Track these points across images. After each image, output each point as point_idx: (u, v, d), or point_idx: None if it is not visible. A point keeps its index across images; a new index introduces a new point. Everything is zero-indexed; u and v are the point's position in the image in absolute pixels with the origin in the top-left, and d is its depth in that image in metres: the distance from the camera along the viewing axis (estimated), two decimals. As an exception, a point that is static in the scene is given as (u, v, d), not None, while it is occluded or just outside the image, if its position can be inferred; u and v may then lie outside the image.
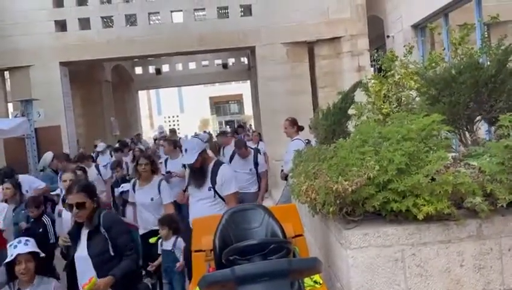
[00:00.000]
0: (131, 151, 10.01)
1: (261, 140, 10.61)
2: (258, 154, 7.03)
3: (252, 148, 7.34)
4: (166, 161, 7.63)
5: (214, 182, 4.15)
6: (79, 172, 5.81)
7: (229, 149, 8.52)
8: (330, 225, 3.03)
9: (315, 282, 2.91)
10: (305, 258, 2.74)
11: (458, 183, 2.52)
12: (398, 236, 2.64)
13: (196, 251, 3.21)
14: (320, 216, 3.20)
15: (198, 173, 4.17)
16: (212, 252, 2.95)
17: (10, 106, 12.88)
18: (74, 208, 3.15)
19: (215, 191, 4.16)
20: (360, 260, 2.65)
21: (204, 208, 4.09)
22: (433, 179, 2.57)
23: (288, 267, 2.06)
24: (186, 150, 4.15)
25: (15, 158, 8.91)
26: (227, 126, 45.27)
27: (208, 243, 3.03)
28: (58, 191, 5.90)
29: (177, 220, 4.70)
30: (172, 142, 7.86)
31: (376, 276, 2.65)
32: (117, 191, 6.34)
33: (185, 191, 4.43)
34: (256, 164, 6.77)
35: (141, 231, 5.24)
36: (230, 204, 4.04)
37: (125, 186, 6.10)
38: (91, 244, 3.19)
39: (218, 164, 4.30)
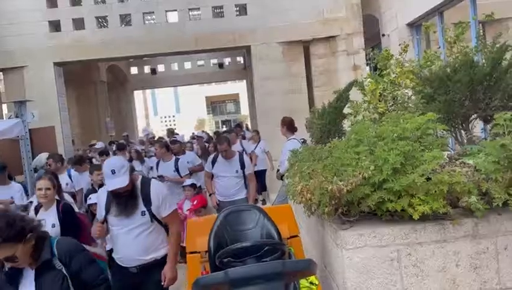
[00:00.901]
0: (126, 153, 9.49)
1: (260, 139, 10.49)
2: (244, 154, 6.39)
3: (238, 151, 6.55)
4: (158, 163, 7.40)
5: (148, 204, 3.36)
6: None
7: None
8: (326, 225, 3.02)
9: (311, 283, 2.89)
10: (299, 260, 2.72)
11: (454, 182, 2.51)
12: (393, 236, 2.63)
13: (191, 253, 3.18)
14: (315, 217, 3.18)
15: (128, 197, 3.32)
16: (207, 253, 2.93)
17: (4, 107, 12.81)
18: (4, 263, 2.32)
19: (152, 215, 3.36)
20: (356, 260, 2.63)
21: (140, 238, 3.32)
22: (428, 179, 2.55)
23: (282, 269, 2.04)
24: (113, 171, 3.25)
25: (9, 160, 8.82)
26: (224, 126, 45.23)
27: (203, 245, 3.00)
28: (32, 198, 4.93)
29: None
30: (163, 144, 7.59)
31: (372, 276, 2.63)
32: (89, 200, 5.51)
33: (103, 222, 3.43)
34: (242, 165, 5.95)
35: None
36: (174, 225, 3.46)
37: (94, 198, 5.13)
38: (42, 286, 2.36)
39: (146, 181, 3.53)
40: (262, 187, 10.18)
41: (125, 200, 3.31)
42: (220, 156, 5.99)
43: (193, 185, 6.10)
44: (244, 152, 8.33)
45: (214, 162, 6.09)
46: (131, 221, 3.32)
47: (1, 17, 11.20)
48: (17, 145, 8.94)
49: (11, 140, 8.96)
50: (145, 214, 3.34)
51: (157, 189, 3.46)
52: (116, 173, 3.25)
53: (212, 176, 6.16)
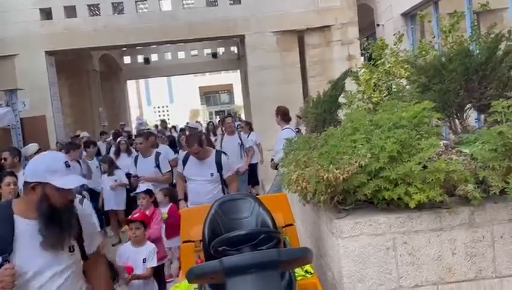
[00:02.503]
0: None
1: (251, 130, 10.02)
2: (222, 154, 5.21)
3: (218, 150, 5.68)
4: (136, 160, 6.46)
5: (79, 235, 2.25)
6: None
7: (230, 140, 7.84)
8: (321, 214, 3.00)
9: (306, 272, 2.88)
10: (295, 249, 2.70)
11: (450, 170, 2.49)
12: (389, 224, 2.61)
13: (185, 242, 3.15)
14: (311, 205, 3.17)
15: (65, 215, 2.11)
16: (202, 242, 2.90)
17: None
18: None
19: (83, 251, 2.29)
20: (352, 249, 2.61)
21: (66, 287, 2.15)
22: (425, 167, 2.53)
23: (278, 258, 2.01)
24: (67, 164, 2.13)
25: (1, 149, 8.76)
26: (217, 116, 45.11)
27: (197, 234, 2.97)
28: None
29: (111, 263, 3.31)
30: (148, 136, 6.77)
31: (367, 265, 2.62)
32: None
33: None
34: (219, 167, 4.97)
35: None
36: (101, 265, 2.48)
37: None
38: None
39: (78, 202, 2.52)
40: (254, 182, 9.79)
41: (59, 223, 2.07)
42: (191, 156, 5.10)
43: (149, 192, 5.16)
44: (242, 146, 7.95)
45: (184, 162, 5.19)
46: (57, 261, 2.11)
47: (-9, 5, 11.03)
48: (9, 134, 8.87)
49: (3, 129, 8.90)
50: (73, 250, 2.19)
51: (88, 216, 2.49)
52: (71, 168, 2.14)
53: (185, 178, 5.29)
